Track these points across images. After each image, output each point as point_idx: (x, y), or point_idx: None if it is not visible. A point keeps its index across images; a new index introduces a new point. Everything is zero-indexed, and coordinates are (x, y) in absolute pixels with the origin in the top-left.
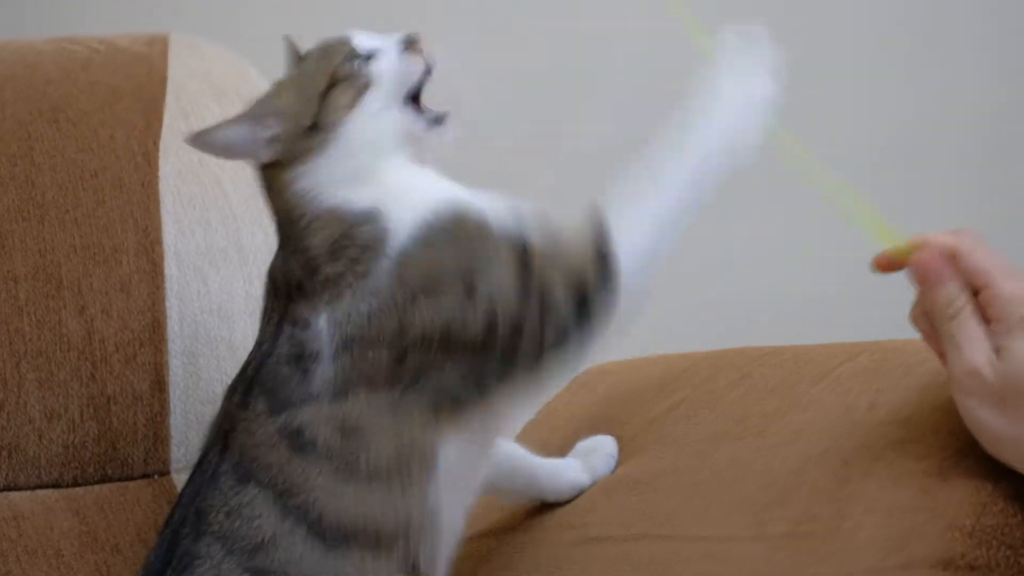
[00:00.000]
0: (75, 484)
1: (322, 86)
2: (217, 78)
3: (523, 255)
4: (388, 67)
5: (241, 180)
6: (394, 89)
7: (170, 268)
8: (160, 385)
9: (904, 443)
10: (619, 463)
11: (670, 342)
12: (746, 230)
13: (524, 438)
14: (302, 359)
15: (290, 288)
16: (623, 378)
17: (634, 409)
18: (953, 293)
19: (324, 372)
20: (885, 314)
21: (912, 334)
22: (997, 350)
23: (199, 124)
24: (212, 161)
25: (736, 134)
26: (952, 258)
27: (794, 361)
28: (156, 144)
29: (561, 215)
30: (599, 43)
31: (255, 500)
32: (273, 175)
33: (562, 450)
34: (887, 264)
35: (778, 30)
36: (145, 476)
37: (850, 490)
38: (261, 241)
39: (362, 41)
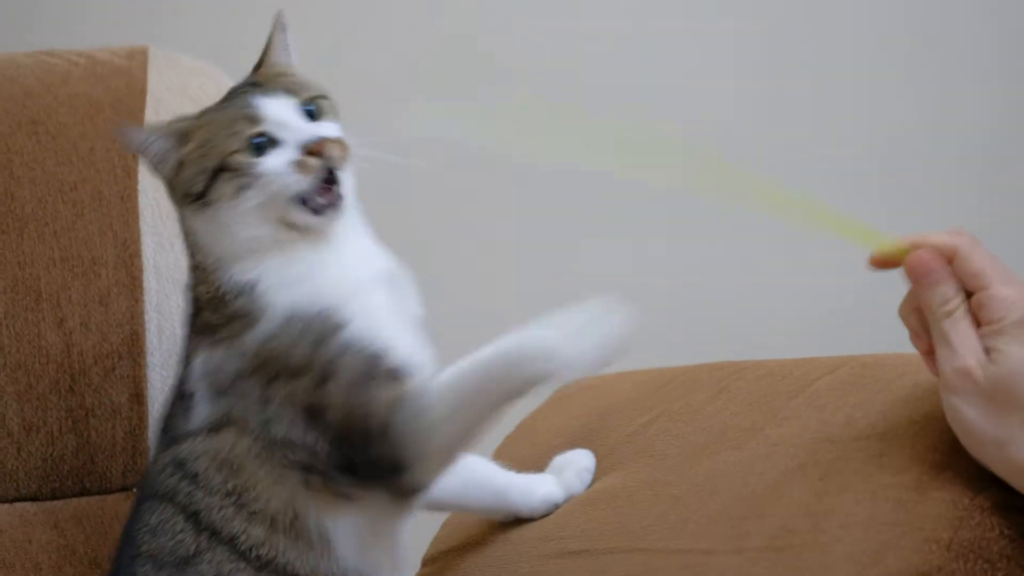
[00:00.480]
0: (53, 497)
1: (213, 164)
2: (196, 91)
3: (369, 371)
4: (275, 172)
5: None
6: (275, 194)
7: (149, 281)
8: (139, 398)
9: (881, 457)
10: (597, 477)
11: (648, 356)
12: (723, 246)
13: (502, 453)
14: (184, 396)
15: (191, 322)
16: (601, 392)
17: (612, 423)
18: (949, 292)
19: (199, 410)
20: (864, 328)
21: (891, 347)
22: (988, 351)
23: None
24: None
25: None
26: (949, 258)
27: (771, 375)
28: (136, 157)
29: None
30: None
31: (174, 517)
32: (176, 200)
33: (540, 464)
34: (883, 261)
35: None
36: (124, 489)
37: (827, 504)
38: None
39: (271, 118)
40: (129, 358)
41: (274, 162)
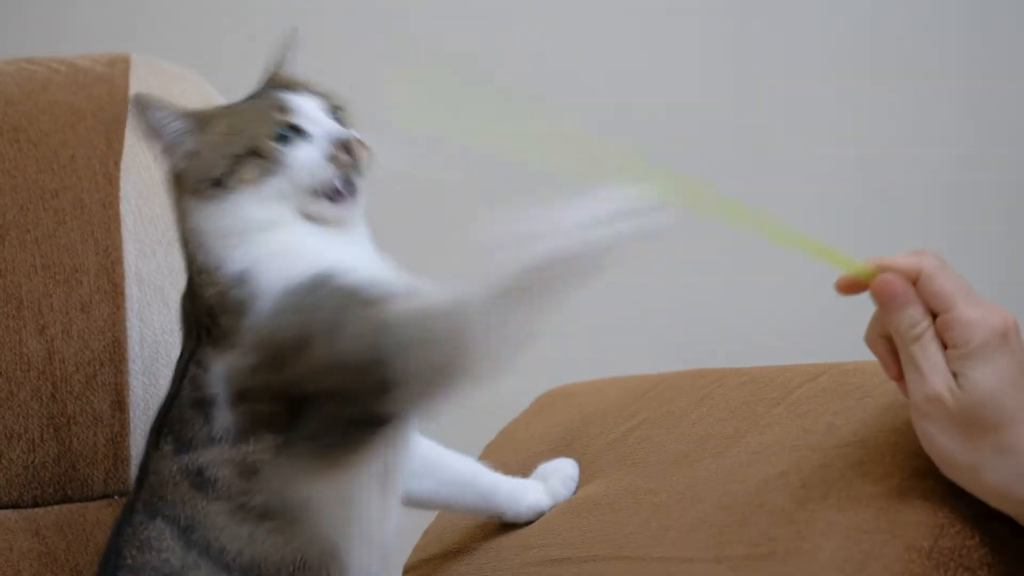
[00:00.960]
0: (35, 505)
1: (240, 150)
2: (178, 98)
3: (376, 314)
4: (305, 163)
5: None
6: (301, 185)
7: (131, 288)
8: (120, 405)
9: (862, 464)
10: (580, 485)
11: (630, 363)
12: (705, 254)
13: (484, 459)
14: (203, 402)
15: (200, 329)
16: (584, 400)
17: (595, 431)
18: (916, 316)
19: (223, 417)
20: (846, 335)
21: (872, 355)
22: (955, 376)
23: None
24: None
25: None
26: (914, 280)
27: (753, 383)
28: (117, 164)
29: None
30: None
31: (163, 534)
32: (178, 193)
33: (523, 471)
34: (850, 286)
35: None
36: (105, 496)
37: (809, 512)
38: None
39: (300, 112)
40: (111, 365)
41: (306, 153)
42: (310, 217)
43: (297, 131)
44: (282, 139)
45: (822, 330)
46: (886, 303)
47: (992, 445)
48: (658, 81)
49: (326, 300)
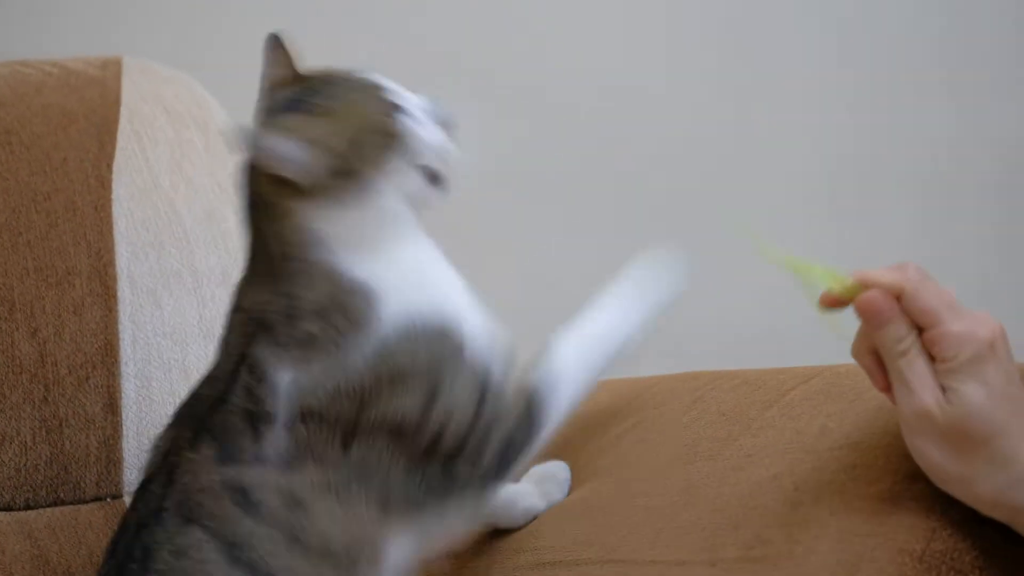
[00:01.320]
0: (27, 507)
1: (352, 132)
2: (170, 101)
3: (484, 385)
4: (424, 135)
5: (195, 203)
6: (422, 157)
7: (123, 291)
8: (113, 408)
9: (855, 467)
10: (572, 487)
11: (624, 365)
12: (699, 255)
13: None
14: (256, 417)
15: (259, 325)
16: None
17: (587, 434)
18: (901, 332)
19: (277, 438)
20: (835, 339)
21: None
22: (944, 390)
23: (153, 147)
24: (165, 183)
25: (656, 305)
26: (897, 296)
27: (746, 385)
28: (109, 167)
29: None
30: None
31: (202, 544)
32: (279, 194)
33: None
34: (833, 303)
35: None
36: (97, 499)
37: (801, 514)
38: (215, 264)
39: (397, 93)
40: (103, 368)
41: (422, 124)
42: (414, 204)
43: (400, 111)
44: (395, 114)
45: (815, 332)
46: (870, 320)
47: (984, 458)
48: (642, 89)
49: (452, 358)
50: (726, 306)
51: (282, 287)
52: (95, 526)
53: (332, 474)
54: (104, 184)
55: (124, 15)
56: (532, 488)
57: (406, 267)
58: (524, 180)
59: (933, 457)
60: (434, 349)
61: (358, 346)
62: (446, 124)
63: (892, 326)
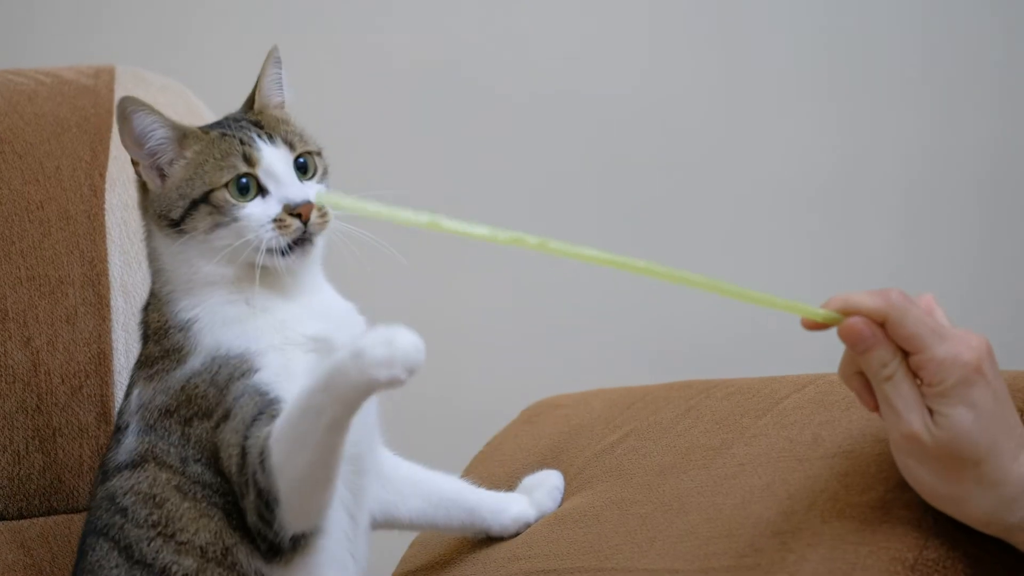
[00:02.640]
0: (20, 516)
1: (198, 194)
2: (163, 109)
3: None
4: (255, 222)
5: None
6: (248, 242)
7: (116, 300)
8: (106, 417)
9: (847, 476)
10: (566, 496)
11: (618, 374)
12: (693, 265)
13: (471, 472)
14: (118, 428)
15: (140, 350)
16: (570, 411)
17: (581, 442)
18: (885, 357)
19: (128, 444)
20: (832, 347)
21: None
22: (932, 412)
23: None
24: None
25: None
26: (880, 323)
27: (739, 394)
28: (102, 175)
29: None
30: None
31: (109, 553)
32: (144, 206)
33: (509, 484)
34: (816, 326)
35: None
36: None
37: (794, 523)
38: None
39: (266, 165)
40: (96, 377)
41: (256, 211)
42: (258, 268)
43: (258, 183)
44: (241, 188)
45: (808, 342)
46: (854, 346)
47: (973, 479)
48: (619, 97)
49: (238, 395)
50: (720, 316)
51: (147, 311)
52: None
53: (172, 474)
54: (97, 193)
55: (117, 24)
56: (523, 497)
57: (227, 310)
58: (508, 186)
59: (923, 477)
60: (226, 376)
61: (177, 375)
62: (300, 213)
63: (876, 352)
